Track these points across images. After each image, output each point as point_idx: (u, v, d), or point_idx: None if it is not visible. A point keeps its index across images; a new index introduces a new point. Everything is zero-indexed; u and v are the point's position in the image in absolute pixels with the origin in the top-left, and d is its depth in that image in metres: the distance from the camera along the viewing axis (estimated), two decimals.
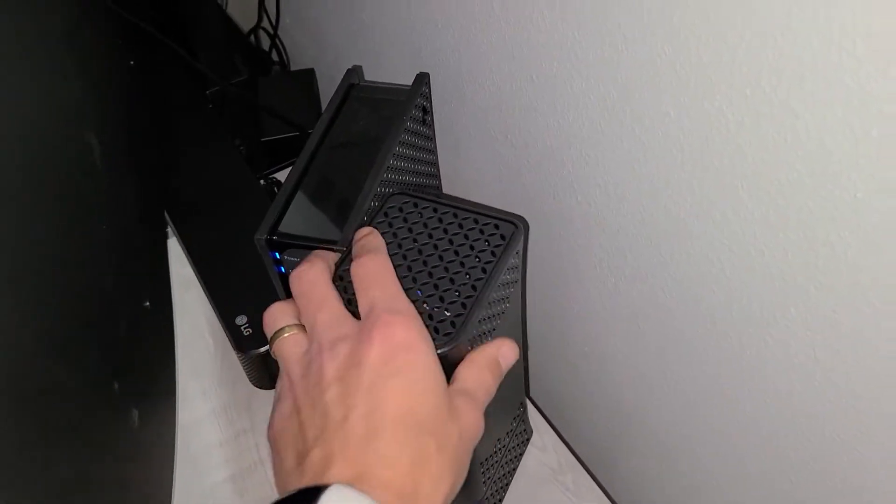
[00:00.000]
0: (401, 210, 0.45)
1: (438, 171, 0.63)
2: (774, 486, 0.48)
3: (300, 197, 0.49)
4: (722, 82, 0.34)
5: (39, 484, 0.36)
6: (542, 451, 0.58)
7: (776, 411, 0.43)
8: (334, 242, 0.45)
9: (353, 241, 0.42)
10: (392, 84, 0.57)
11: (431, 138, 0.59)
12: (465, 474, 0.35)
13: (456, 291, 0.40)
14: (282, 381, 0.37)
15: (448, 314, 0.39)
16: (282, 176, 0.81)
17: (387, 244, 0.43)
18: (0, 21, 0.35)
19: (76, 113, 0.44)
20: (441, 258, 0.42)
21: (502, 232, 0.43)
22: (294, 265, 0.48)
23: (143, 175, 0.55)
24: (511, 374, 0.53)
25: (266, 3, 0.96)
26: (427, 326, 0.39)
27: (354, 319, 0.36)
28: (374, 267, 0.38)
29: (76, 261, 0.43)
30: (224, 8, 1.04)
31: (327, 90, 0.91)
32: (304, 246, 0.46)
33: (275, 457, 0.35)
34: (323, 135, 0.52)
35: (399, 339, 0.33)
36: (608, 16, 0.39)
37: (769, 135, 0.33)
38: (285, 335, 0.37)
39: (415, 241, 0.43)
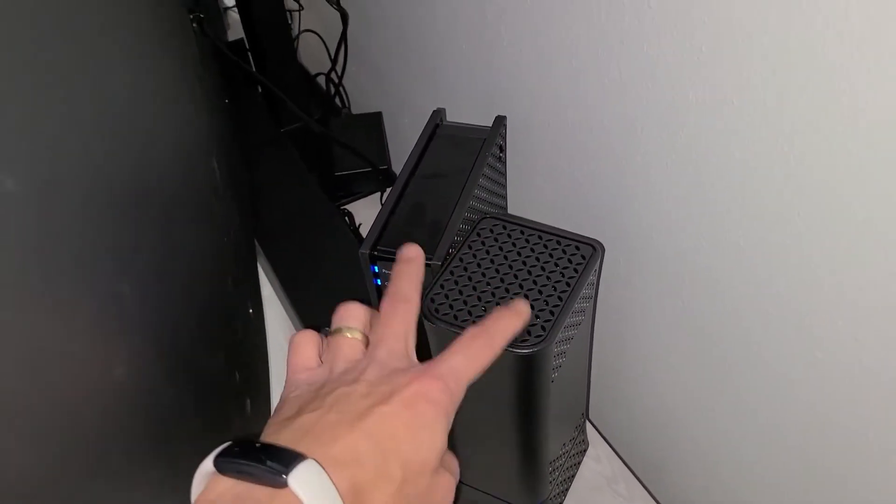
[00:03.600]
0: (491, 231, 0.51)
1: (506, 199, 0.69)
2: (814, 499, 0.52)
3: (396, 219, 0.56)
4: (787, 126, 0.41)
5: (175, 456, 0.41)
6: (597, 462, 0.63)
7: (820, 426, 0.49)
8: (430, 259, 0.52)
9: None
10: (471, 125, 0.64)
11: (504, 172, 0.66)
12: None
13: (544, 301, 0.46)
14: (316, 369, 0.39)
15: (539, 319, 0.45)
16: (352, 207, 0.89)
17: (481, 260, 0.49)
18: (163, 63, 0.42)
19: (206, 140, 0.51)
20: (530, 273, 0.48)
21: (582, 252, 0.49)
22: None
23: (240, 200, 0.63)
24: (575, 385, 0.58)
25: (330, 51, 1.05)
26: None
27: (413, 361, 0.39)
28: (475, 350, 0.39)
29: (211, 265, 0.50)
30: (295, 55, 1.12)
31: (391, 131, 0.99)
32: None
33: (277, 407, 0.37)
34: (414, 166, 0.59)
35: (432, 394, 0.35)
36: (681, 74, 0.46)
37: (829, 170, 0.40)
38: (348, 335, 0.39)
39: (505, 258, 0.49)
